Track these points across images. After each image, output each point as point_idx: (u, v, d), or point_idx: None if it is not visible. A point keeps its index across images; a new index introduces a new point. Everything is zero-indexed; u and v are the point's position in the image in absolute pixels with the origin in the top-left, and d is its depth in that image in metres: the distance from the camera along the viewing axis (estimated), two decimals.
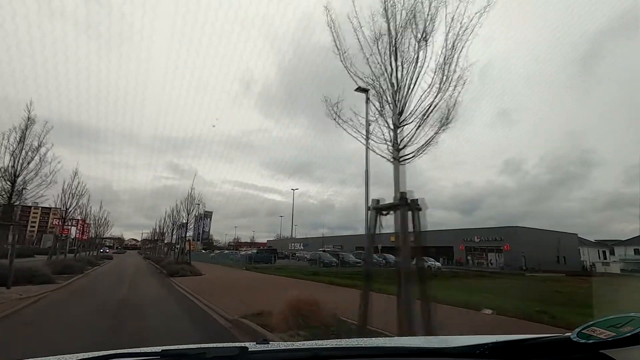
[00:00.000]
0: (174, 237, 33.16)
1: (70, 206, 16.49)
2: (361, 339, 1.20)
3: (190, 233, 26.54)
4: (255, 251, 31.76)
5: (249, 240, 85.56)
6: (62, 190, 15.60)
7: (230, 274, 17.28)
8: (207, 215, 37.90)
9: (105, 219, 29.92)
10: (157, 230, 37.06)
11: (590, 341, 0.85)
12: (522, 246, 34.61)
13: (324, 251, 32.83)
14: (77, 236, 24.45)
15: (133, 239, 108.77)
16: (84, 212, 21.54)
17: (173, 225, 24.62)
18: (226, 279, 14.79)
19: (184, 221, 21.81)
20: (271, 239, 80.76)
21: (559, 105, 66.00)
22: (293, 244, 60.42)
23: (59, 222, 17.35)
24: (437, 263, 31.35)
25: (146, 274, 18.07)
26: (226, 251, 44.11)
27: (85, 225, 27.75)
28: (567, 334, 0.90)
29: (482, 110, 67.88)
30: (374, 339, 1.24)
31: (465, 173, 71.16)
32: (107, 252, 46.29)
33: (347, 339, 1.23)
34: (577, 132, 69.17)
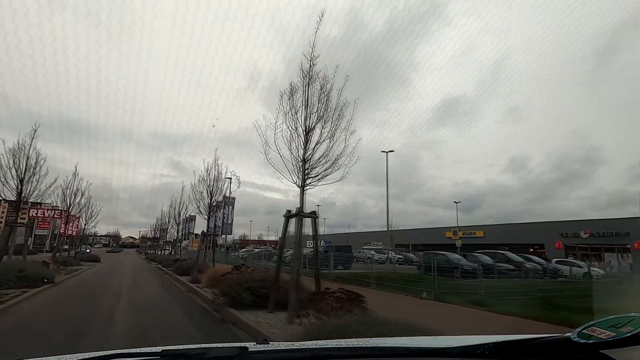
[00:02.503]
0: (179, 230, 28.99)
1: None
2: (361, 339, 1.51)
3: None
4: (321, 249, 22.65)
5: (256, 238, 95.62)
6: None
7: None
8: (229, 202, 35.21)
9: (83, 195, 23.71)
10: (169, 218, 31.34)
11: (591, 341, 1.07)
12: None
13: (464, 255, 25.57)
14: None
15: (130, 237, 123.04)
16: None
17: (211, 201, 17.09)
18: None
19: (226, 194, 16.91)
20: (281, 235, 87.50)
21: (566, 102, 73.54)
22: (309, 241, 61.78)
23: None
24: (596, 269, 25.08)
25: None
26: (255, 249, 40.17)
27: (63, 216, 23.03)
28: (567, 334, 1.13)
29: (488, 108, 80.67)
30: (374, 339, 1.55)
31: (467, 171, 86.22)
32: (88, 252, 39.44)
33: (347, 339, 1.55)
34: (585, 130, 77.54)
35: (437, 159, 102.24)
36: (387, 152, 36.89)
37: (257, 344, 1.47)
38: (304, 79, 7.85)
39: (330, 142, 7.75)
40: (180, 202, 27.95)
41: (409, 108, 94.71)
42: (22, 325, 7.13)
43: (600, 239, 35.46)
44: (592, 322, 1.11)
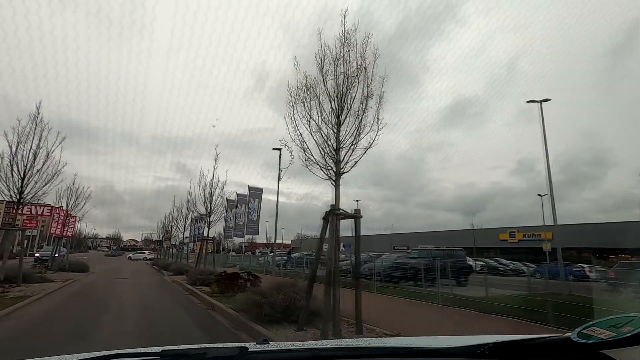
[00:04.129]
0: (210, 223, 19.49)
1: None
2: (361, 339, 1.52)
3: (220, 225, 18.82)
4: (415, 254, 19.98)
5: (264, 241, 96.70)
6: None
7: None
8: (255, 194, 27.44)
9: (50, 156, 13.76)
10: (191, 202, 24.56)
11: (591, 341, 1.08)
12: None
13: None
14: None
15: (132, 239, 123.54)
16: None
17: (338, 129, 7.90)
18: None
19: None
20: (293, 238, 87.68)
21: (578, 103, 72.84)
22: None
23: None
24: None
25: None
26: (292, 253, 32.68)
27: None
28: (567, 334, 1.13)
29: (497, 109, 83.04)
30: (374, 339, 1.56)
31: (472, 173, 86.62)
32: (58, 256, 22.46)
33: (347, 339, 1.56)
34: (596, 131, 75.90)
35: (441, 161, 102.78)
36: (540, 102, 22.03)
37: (257, 344, 1.47)
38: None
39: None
40: (212, 179, 18.52)
41: (418, 109, 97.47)
42: None
43: None
44: (592, 322, 1.12)
